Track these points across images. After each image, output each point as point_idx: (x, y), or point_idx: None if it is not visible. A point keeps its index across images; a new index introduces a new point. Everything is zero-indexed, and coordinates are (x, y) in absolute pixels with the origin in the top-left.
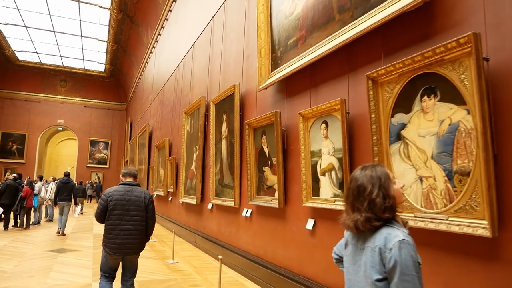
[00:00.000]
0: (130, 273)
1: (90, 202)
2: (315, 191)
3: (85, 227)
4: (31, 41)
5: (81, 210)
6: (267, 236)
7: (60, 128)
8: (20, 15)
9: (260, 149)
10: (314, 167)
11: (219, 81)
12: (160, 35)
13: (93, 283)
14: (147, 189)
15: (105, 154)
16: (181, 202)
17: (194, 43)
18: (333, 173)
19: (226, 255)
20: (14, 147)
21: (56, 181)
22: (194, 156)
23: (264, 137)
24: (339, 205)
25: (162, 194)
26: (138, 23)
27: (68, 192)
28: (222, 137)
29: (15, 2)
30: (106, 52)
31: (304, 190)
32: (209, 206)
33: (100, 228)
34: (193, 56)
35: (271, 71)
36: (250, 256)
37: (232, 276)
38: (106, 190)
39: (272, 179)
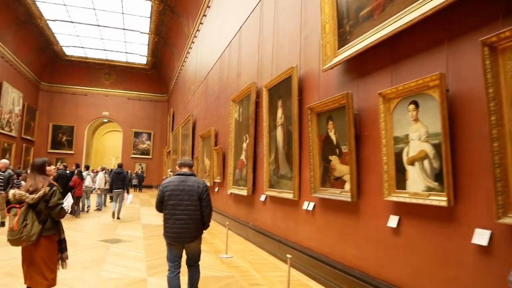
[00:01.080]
0: (193, 259)
1: (134, 191)
2: (400, 184)
3: (134, 217)
4: (77, 36)
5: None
6: (334, 232)
7: (105, 120)
8: (67, 11)
9: (325, 136)
10: (398, 155)
11: (272, 65)
12: (201, 23)
13: (148, 278)
14: None
15: (148, 145)
16: (229, 193)
17: (240, 27)
18: (426, 162)
19: (282, 250)
20: (64, 138)
21: (104, 171)
22: (244, 145)
23: (330, 122)
24: (435, 200)
25: (208, 185)
26: (179, 13)
27: (121, 181)
28: (277, 124)
29: None
30: (148, 44)
31: (385, 182)
32: (262, 198)
33: (148, 218)
34: (240, 41)
35: (338, 49)
36: (313, 253)
37: (293, 275)
38: (163, 181)
39: (341, 169)
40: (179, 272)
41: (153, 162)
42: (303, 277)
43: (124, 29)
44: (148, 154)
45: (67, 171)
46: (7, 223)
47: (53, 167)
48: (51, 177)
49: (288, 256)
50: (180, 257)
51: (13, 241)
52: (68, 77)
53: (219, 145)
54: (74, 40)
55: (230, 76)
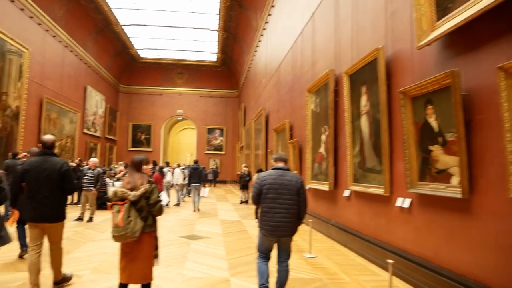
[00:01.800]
0: (285, 255)
1: (210, 186)
2: None
3: (211, 212)
4: (151, 38)
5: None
6: (438, 233)
7: (180, 118)
8: (141, 15)
9: (423, 123)
10: None
11: (352, 49)
12: (270, 15)
13: (231, 278)
14: None
15: (221, 140)
16: (307, 188)
17: (313, 13)
18: None
19: (372, 251)
20: (143, 137)
21: (180, 167)
22: (323, 137)
23: (429, 107)
24: None
25: None
26: (247, 6)
27: (197, 176)
28: (362, 112)
29: (136, 3)
30: (217, 41)
31: (511, 176)
32: (346, 193)
33: (225, 213)
34: (313, 27)
35: (437, 21)
36: (411, 256)
37: (387, 279)
38: (260, 174)
39: (445, 160)
40: (268, 261)
41: (226, 157)
42: (399, 282)
43: (193, 28)
44: (221, 150)
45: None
46: (96, 219)
47: (150, 166)
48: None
49: (390, 261)
50: (271, 250)
51: (118, 237)
52: (144, 78)
53: (294, 138)
54: (147, 42)
55: (304, 65)
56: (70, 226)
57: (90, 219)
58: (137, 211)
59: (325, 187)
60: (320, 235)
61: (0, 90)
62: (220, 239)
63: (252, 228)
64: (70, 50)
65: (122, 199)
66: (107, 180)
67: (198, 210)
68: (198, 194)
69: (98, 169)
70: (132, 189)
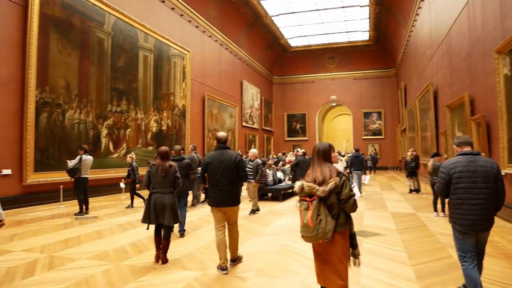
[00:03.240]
0: (482, 253)
1: (369, 174)
2: None
3: (378, 203)
4: (299, 25)
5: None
6: None
7: (334, 104)
8: (288, 2)
9: None
10: None
11: None
12: None
13: None
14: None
15: (379, 124)
16: (503, 173)
17: None
18: None
19: None
20: (298, 126)
21: (340, 155)
22: None
23: None
24: None
25: None
26: None
27: (359, 164)
28: None
29: None
30: (369, 18)
31: None
32: None
33: (394, 204)
34: None
35: None
36: None
37: None
38: (444, 162)
39: None
40: (476, 264)
41: (386, 142)
42: None
43: (342, 7)
44: (380, 134)
45: (307, 157)
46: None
47: (336, 153)
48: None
49: None
50: (474, 247)
51: (308, 238)
52: (296, 67)
53: (478, 114)
54: (297, 30)
55: (487, 22)
56: (239, 220)
57: (253, 211)
58: (327, 208)
59: None
60: None
61: (168, 91)
62: (396, 236)
63: (433, 223)
64: (225, 47)
65: (310, 195)
66: (267, 171)
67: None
68: (360, 182)
69: (258, 160)
70: (320, 183)
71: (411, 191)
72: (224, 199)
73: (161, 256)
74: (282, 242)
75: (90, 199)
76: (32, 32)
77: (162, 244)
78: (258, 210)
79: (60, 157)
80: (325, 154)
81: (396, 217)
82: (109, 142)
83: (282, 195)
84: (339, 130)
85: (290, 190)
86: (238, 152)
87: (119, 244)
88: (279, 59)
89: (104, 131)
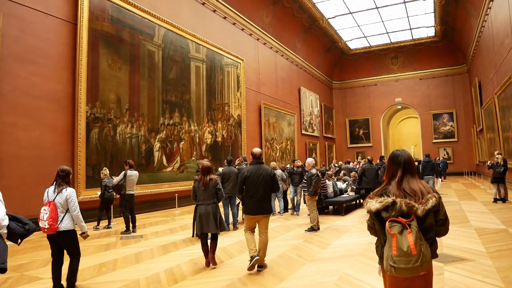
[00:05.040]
0: None
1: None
2: None
3: (456, 215)
4: (358, 26)
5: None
6: None
7: (399, 107)
8: (344, 3)
9: None
10: None
11: None
12: None
13: None
14: None
15: (451, 126)
16: None
17: None
18: None
19: None
20: (361, 132)
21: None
22: None
23: None
24: None
25: None
26: None
27: (430, 169)
28: None
29: None
30: (434, 11)
31: None
32: None
33: (477, 218)
34: None
35: None
36: None
37: None
38: None
39: None
40: None
41: (460, 145)
42: None
43: (404, 2)
44: (452, 137)
45: (373, 164)
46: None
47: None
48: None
49: None
50: None
51: (408, 271)
52: (356, 70)
53: None
54: (355, 32)
55: None
56: (292, 238)
57: (311, 229)
58: (421, 231)
59: None
60: None
61: (222, 101)
62: (488, 263)
63: None
64: (281, 54)
65: (404, 214)
66: (327, 181)
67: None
68: (433, 186)
69: (313, 170)
70: (417, 200)
71: (496, 200)
72: (261, 208)
73: (210, 256)
74: (342, 270)
75: (143, 215)
76: (81, 48)
77: (210, 245)
78: (317, 228)
79: (112, 172)
80: (412, 164)
81: (483, 235)
82: (162, 155)
83: (344, 208)
84: (406, 135)
85: (354, 202)
86: (296, 160)
87: (154, 271)
88: (338, 63)
89: (157, 145)
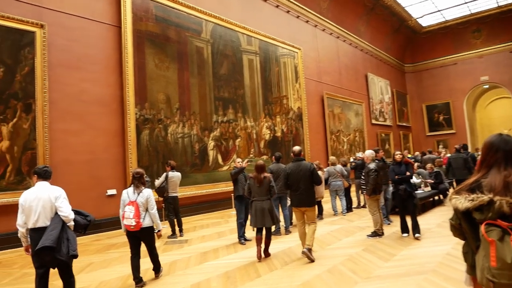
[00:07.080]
0: None
1: None
2: None
3: None
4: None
5: None
6: None
7: (486, 86)
8: None
9: None
10: None
11: None
12: None
13: None
14: None
15: None
16: None
17: None
18: None
19: None
20: (441, 118)
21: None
22: None
23: None
24: None
25: None
26: None
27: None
28: None
29: None
30: None
31: None
32: None
33: None
34: None
35: None
36: None
37: None
38: None
39: None
40: None
41: None
42: None
43: None
44: None
45: (463, 153)
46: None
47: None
48: None
49: None
50: None
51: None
52: (431, 50)
53: None
54: (427, 6)
55: None
56: (349, 245)
57: (374, 234)
58: None
59: None
60: None
61: (280, 94)
62: None
63: None
64: (342, 40)
65: (505, 216)
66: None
67: None
68: None
69: (370, 164)
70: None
71: None
72: (303, 201)
73: (264, 251)
74: None
75: (197, 217)
76: (127, 51)
77: (265, 242)
78: (381, 233)
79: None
80: None
81: None
82: (217, 154)
83: (419, 207)
84: (497, 118)
85: (431, 199)
86: (359, 153)
87: (181, 286)
88: (409, 44)
89: (211, 143)
